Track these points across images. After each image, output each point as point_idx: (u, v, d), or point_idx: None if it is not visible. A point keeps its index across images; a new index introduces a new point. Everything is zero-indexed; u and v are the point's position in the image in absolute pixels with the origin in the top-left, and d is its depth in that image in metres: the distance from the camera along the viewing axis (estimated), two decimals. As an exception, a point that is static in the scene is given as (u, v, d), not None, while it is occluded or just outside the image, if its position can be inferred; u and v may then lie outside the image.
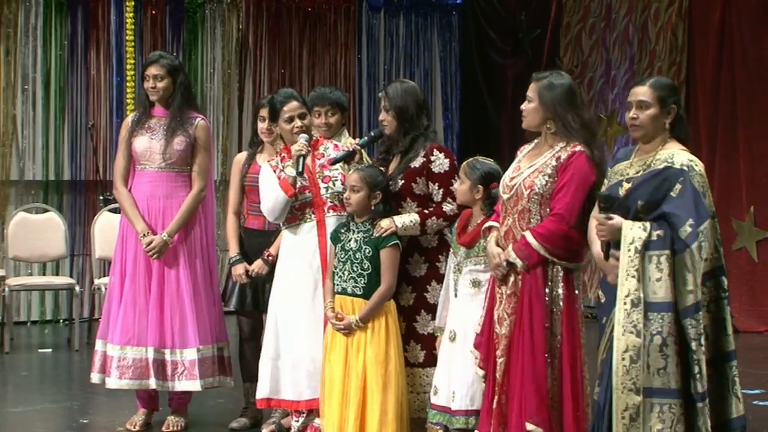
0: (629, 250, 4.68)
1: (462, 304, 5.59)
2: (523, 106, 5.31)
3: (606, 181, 5.01)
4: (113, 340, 6.58)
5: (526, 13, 12.60)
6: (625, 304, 4.68)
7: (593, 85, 11.93)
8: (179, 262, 6.61)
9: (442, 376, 5.65)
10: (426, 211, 5.87)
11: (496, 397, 5.25)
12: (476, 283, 5.56)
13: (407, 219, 5.84)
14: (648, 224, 4.69)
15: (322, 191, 6.15)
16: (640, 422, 4.63)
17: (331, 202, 6.15)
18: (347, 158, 6.12)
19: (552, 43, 12.26)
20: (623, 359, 4.66)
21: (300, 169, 6.08)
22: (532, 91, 5.27)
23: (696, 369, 4.61)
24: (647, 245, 4.66)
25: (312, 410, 6.20)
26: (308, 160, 6.18)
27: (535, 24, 12.50)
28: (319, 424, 6.10)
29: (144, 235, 6.54)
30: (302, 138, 6.16)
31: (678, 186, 4.66)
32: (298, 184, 6.12)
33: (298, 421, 6.25)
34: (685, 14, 11.08)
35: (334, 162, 6.14)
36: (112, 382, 6.59)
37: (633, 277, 4.68)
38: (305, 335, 6.11)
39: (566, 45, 12.19)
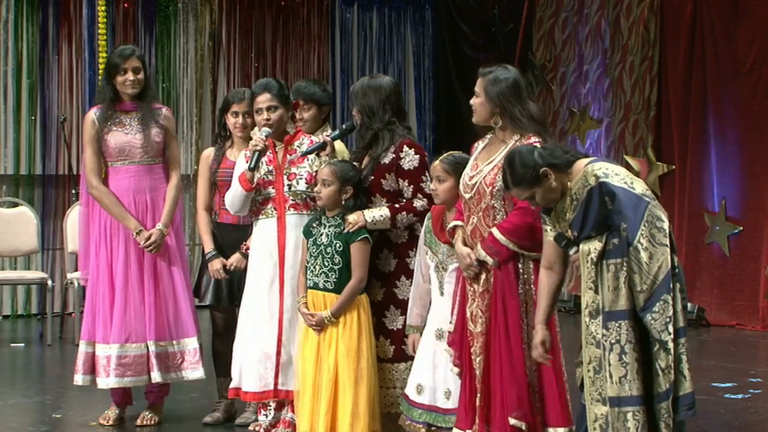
0: (587, 262, 4.70)
1: (449, 302, 5.54)
2: (471, 101, 5.34)
3: (549, 228, 4.95)
4: (108, 340, 6.52)
5: (498, 7, 12.63)
6: (585, 316, 4.71)
7: (566, 79, 11.97)
8: (171, 254, 6.61)
9: (427, 374, 5.63)
10: (396, 206, 5.87)
11: (478, 395, 5.26)
12: None
13: (377, 213, 5.85)
14: (605, 235, 4.70)
15: (285, 188, 6.13)
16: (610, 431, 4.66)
17: (292, 200, 6.14)
18: (318, 150, 6.10)
19: (525, 37, 12.29)
20: (588, 371, 4.70)
21: (252, 165, 6.08)
22: (478, 86, 5.30)
23: (662, 364, 4.60)
24: (605, 254, 4.67)
25: (283, 404, 6.21)
26: (280, 155, 6.18)
27: (508, 18, 12.53)
28: (291, 418, 6.11)
29: (138, 232, 6.53)
30: (262, 132, 6.15)
31: (607, 198, 4.67)
32: (264, 178, 6.11)
33: (267, 415, 6.26)
34: (657, 9, 11.13)
35: (306, 153, 6.13)
36: (111, 382, 6.52)
37: (590, 289, 4.70)
38: (264, 329, 6.13)
39: (539, 39, 12.23)
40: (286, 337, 6.09)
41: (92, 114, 6.66)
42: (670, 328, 4.59)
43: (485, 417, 5.24)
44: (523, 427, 5.12)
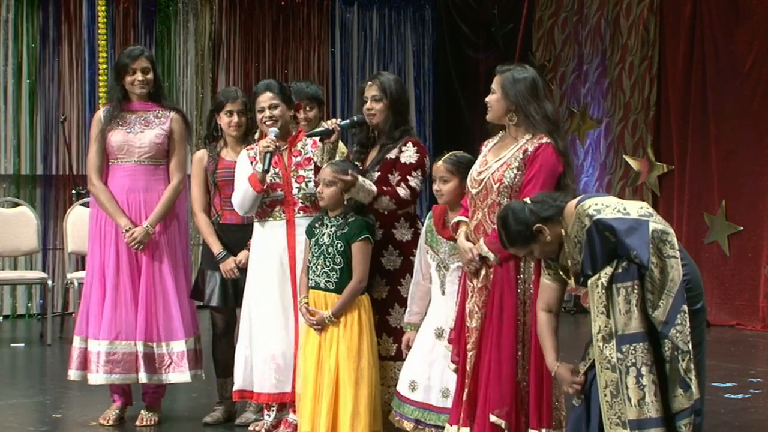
0: (597, 287, 4.66)
1: (450, 301, 5.57)
2: (487, 98, 5.34)
3: (549, 272, 4.94)
4: (98, 336, 6.55)
5: (498, 7, 12.63)
6: (597, 341, 4.67)
7: (565, 79, 11.97)
8: (163, 255, 6.61)
9: (422, 372, 5.64)
10: (384, 188, 5.85)
11: (466, 390, 5.27)
12: None
13: (368, 183, 5.80)
14: (615, 261, 4.67)
15: (294, 191, 6.13)
16: None
17: (302, 202, 6.13)
18: (324, 135, 5.98)
19: (524, 37, 12.29)
20: (605, 395, 4.66)
21: (266, 166, 6.06)
22: (495, 84, 5.31)
23: (690, 375, 4.57)
24: (615, 278, 4.64)
25: (285, 405, 6.22)
26: (285, 157, 6.17)
27: (508, 18, 12.53)
28: (293, 419, 6.11)
29: (127, 230, 6.53)
30: (271, 133, 6.13)
31: (607, 233, 4.65)
32: (269, 180, 6.11)
33: (269, 416, 6.27)
34: (656, 9, 11.14)
35: (311, 136, 6.07)
36: (99, 378, 6.55)
37: (602, 313, 4.65)
38: (274, 330, 6.14)
39: (539, 39, 12.22)
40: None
41: (100, 112, 6.75)
42: (688, 337, 4.59)
43: (470, 413, 5.25)
44: (503, 425, 5.13)
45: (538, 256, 4.86)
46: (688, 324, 4.57)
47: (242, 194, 6.16)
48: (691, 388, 4.57)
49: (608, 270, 4.62)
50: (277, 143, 6.12)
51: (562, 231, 4.76)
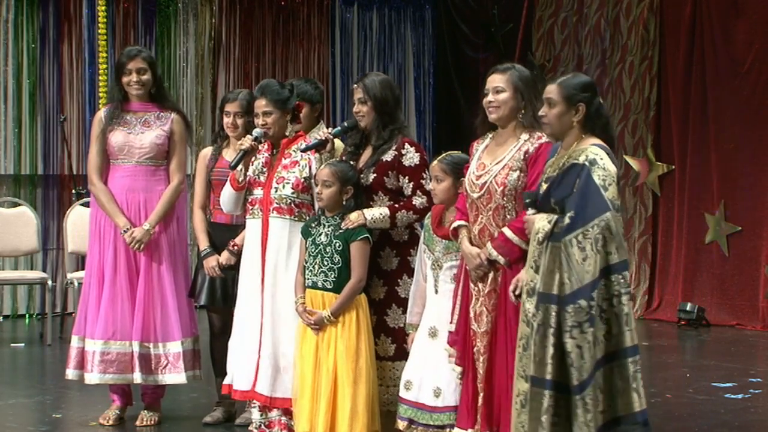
0: (534, 240, 4.75)
1: (443, 300, 5.58)
2: (492, 97, 5.30)
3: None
4: (94, 335, 6.56)
5: (498, 7, 12.63)
6: (524, 293, 4.79)
7: (565, 79, 11.95)
8: (161, 255, 6.62)
9: (417, 372, 5.65)
10: (396, 205, 5.88)
11: (481, 394, 5.27)
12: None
13: (377, 212, 5.85)
14: (554, 216, 4.72)
15: (272, 191, 6.12)
16: (527, 409, 4.71)
17: (276, 203, 6.12)
18: (319, 146, 6.03)
19: (524, 37, 12.30)
20: (518, 347, 4.78)
21: (233, 164, 6.12)
22: (502, 82, 5.28)
23: (570, 360, 4.63)
24: (552, 236, 4.69)
25: (269, 407, 6.20)
26: (275, 158, 6.17)
27: (508, 18, 12.54)
28: (287, 421, 6.10)
29: (126, 230, 6.54)
30: (255, 132, 6.17)
31: (578, 181, 4.68)
32: (249, 177, 6.16)
33: (249, 414, 6.33)
34: (656, 9, 11.15)
35: (306, 149, 6.08)
36: (94, 378, 6.56)
37: (531, 267, 4.76)
38: (249, 330, 6.17)
39: (538, 39, 12.23)
40: (265, 342, 6.09)
41: (101, 112, 6.75)
42: (575, 334, 4.61)
43: (487, 417, 5.24)
44: None
45: (544, 117, 4.89)
46: (577, 318, 4.60)
47: (226, 192, 6.26)
48: (572, 368, 4.62)
49: (547, 227, 4.67)
50: (256, 144, 6.14)
51: (572, 144, 4.83)
